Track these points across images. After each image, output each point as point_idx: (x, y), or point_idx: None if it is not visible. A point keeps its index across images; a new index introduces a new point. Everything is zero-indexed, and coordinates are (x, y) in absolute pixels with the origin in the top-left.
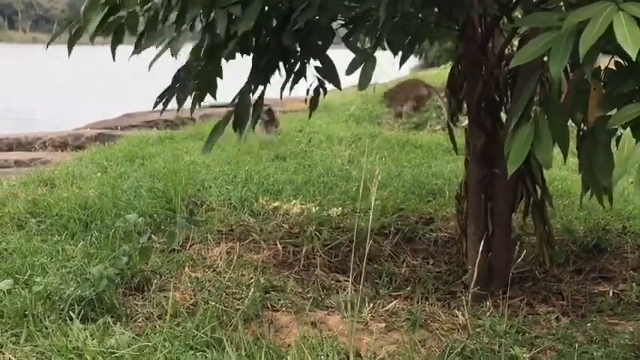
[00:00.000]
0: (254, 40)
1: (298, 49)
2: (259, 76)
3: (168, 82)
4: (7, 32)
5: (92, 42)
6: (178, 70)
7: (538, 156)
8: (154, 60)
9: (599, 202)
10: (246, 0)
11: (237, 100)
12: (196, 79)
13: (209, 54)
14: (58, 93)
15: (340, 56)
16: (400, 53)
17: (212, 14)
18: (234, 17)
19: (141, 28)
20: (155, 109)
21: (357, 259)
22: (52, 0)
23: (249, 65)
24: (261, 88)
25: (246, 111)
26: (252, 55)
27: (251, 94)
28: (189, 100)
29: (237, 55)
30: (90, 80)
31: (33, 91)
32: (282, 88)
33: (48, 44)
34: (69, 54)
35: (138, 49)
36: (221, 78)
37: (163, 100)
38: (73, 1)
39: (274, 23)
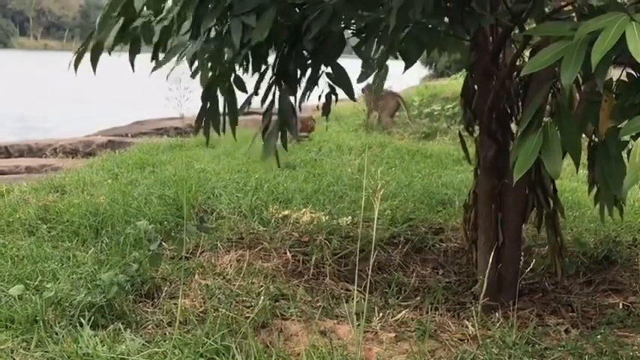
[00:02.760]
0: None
1: (309, 56)
2: (289, 83)
3: (176, 87)
4: (18, 39)
5: (110, 54)
6: (204, 92)
7: (547, 165)
8: (170, 72)
9: (609, 213)
10: (260, 9)
11: (276, 107)
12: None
13: (229, 66)
14: (69, 100)
15: (352, 65)
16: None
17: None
18: (247, 26)
19: (156, 38)
20: (197, 133)
21: (366, 269)
22: (64, 7)
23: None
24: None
25: (289, 115)
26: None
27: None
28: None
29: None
30: (101, 87)
31: (44, 98)
32: (302, 98)
33: (75, 67)
34: (94, 71)
35: (157, 64)
36: (245, 92)
37: (202, 125)
38: (85, 9)
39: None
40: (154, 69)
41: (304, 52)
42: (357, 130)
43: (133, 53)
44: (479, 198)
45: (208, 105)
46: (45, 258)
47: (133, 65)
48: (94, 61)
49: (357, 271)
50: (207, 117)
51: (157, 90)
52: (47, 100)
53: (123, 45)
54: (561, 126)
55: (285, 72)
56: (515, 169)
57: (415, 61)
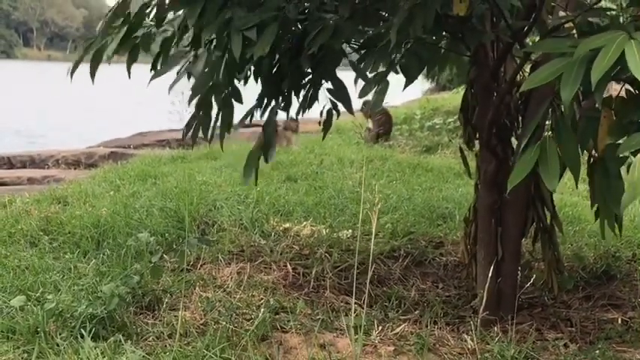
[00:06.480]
0: (269, 63)
1: (309, 71)
2: (283, 99)
3: (178, 101)
4: (22, 49)
5: (109, 62)
6: (200, 98)
7: (544, 179)
8: (173, 84)
9: (611, 229)
10: (262, 24)
11: (263, 123)
12: (219, 107)
13: (228, 77)
14: (71, 110)
15: (351, 78)
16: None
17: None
18: (247, 42)
19: (156, 48)
20: (186, 138)
21: (366, 282)
22: (68, 18)
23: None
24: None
25: (273, 134)
26: (263, 78)
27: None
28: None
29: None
30: (103, 98)
31: (47, 109)
32: (298, 112)
33: (72, 73)
34: (92, 80)
35: (156, 73)
36: (241, 103)
37: (192, 131)
38: (89, 20)
39: (288, 47)
40: (153, 78)
41: (302, 67)
42: (358, 143)
43: (131, 61)
44: (479, 212)
45: (201, 112)
46: (46, 269)
47: (129, 72)
48: (94, 69)
49: (358, 284)
50: (199, 123)
51: (159, 103)
52: (50, 110)
53: (122, 53)
54: (561, 141)
55: (279, 87)
56: (510, 179)
57: (416, 78)
